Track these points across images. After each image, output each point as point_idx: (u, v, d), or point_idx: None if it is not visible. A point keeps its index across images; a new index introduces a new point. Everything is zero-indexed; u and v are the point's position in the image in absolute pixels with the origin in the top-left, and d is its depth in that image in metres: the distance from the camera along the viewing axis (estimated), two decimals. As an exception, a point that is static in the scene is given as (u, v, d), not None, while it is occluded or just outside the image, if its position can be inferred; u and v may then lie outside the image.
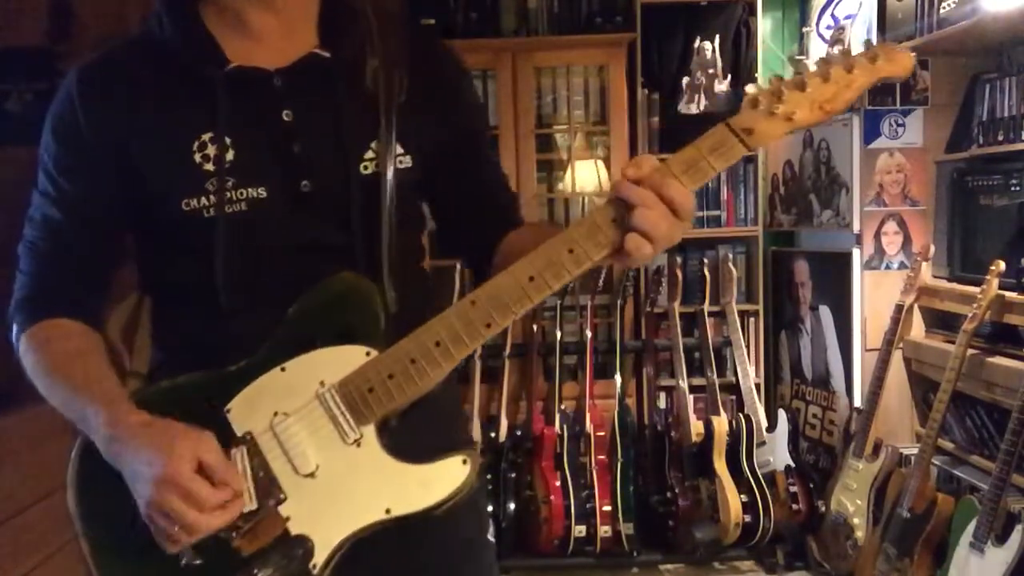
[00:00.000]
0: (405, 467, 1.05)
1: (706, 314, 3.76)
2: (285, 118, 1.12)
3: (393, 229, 1.13)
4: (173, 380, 1.12)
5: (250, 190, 1.10)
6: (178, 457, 0.97)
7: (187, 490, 0.96)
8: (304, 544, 1.03)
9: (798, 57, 3.99)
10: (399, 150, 1.15)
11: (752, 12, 3.86)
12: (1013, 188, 2.69)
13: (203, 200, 1.10)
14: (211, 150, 1.10)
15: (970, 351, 2.64)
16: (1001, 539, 2.30)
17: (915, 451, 2.85)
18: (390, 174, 1.13)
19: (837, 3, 3.81)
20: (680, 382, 3.63)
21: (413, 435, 1.07)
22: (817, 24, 3.92)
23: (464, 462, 1.06)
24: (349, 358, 1.06)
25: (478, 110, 1.34)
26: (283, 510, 1.04)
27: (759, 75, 3.88)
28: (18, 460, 2.69)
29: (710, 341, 3.72)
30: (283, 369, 1.07)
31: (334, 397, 1.05)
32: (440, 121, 1.20)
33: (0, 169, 4.18)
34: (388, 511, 1.04)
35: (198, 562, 1.03)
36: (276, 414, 1.06)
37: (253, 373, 1.07)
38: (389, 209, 1.13)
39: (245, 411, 1.06)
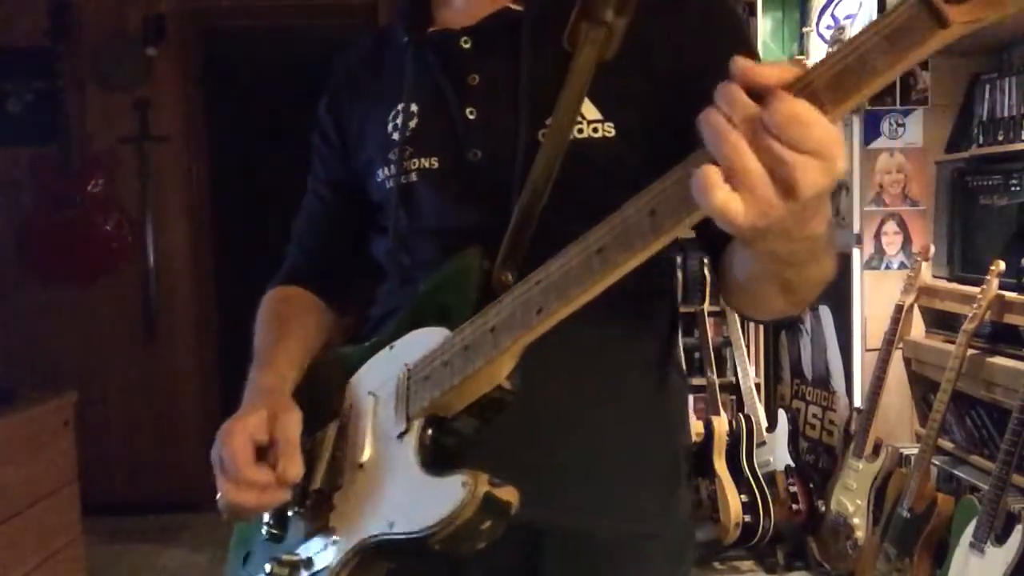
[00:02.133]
0: (421, 477, 0.88)
1: (706, 314, 3.76)
2: (471, 82, 1.02)
3: (532, 200, 0.94)
4: (336, 350, 1.12)
5: (423, 160, 1.04)
6: (240, 424, 0.95)
7: (221, 460, 0.94)
8: (331, 539, 0.95)
9: (798, 57, 3.99)
10: (595, 115, 0.97)
11: (752, 12, 3.86)
12: (1013, 188, 2.69)
13: (386, 170, 1.06)
14: (400, 119, 1.05)
15: (970, 351, 2.64)
16: (1001, 539, 2.30)
17: (915, 451, 2.85)
18: (536, 136, 0.96)
19: (837, 3, 3.81)
20: (680, 382, 3.63)
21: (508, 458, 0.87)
22: (817, 24, 3.91)
23: (464, 484, 0.82)
24: (431, 340, 0.93)
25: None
26: (335, 498, 0.97)
27: (759, 75, 3.88)
28: (18, 460, 2.69)
29: (710, 341, 3.72)
30: (391, 347, 0.99)
31: (404, 381, 0.94)
32: (663, 84, 0.98)
33: (0, 169, 4.20)
34: (392, 525, 0.89)
35: (275, 532, 1.01)
36: (369, 393, 0.98)
37: (376, 349, 1.02)
38: (535, 176, 0.93)
39: (355, 387, 1.01)
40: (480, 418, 0.90)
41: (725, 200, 0.62)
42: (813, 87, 0.61)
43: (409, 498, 0.88)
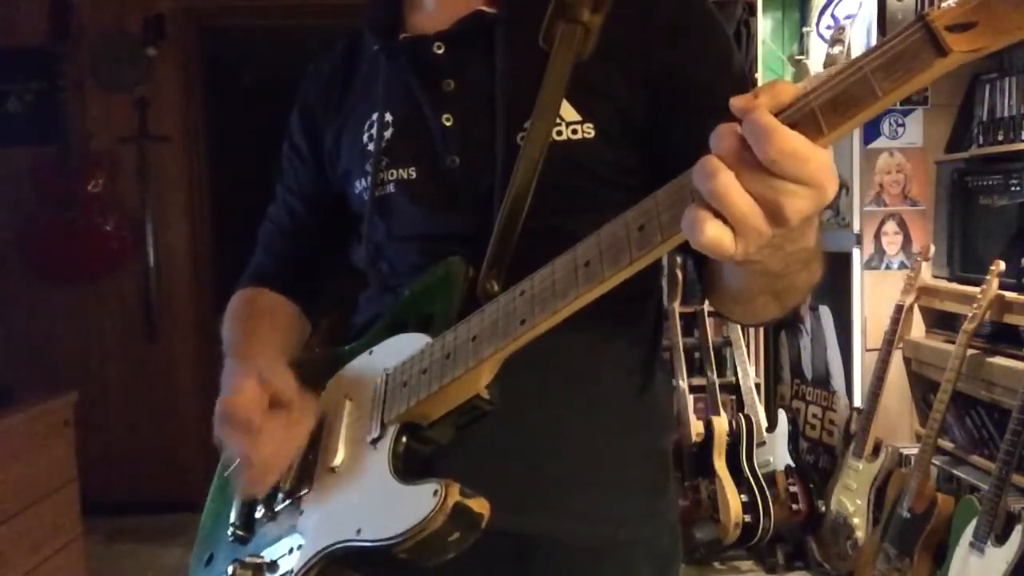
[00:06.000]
0: (393, 484, 0.86)
1: (706, 314, 3.75)
2: (446, 88, 1.00)
3: (515, 206, 0.92)
4: (315, 354, 1.11)
5: (400, 171, 1.02)
6: (241, 382, 0.92)
7: (234, 416, 0.90)
8: (297, 543, 0.93)
9: (798, 57, 3.99)
10: (574, 116, 0.95)
11: (752, 12, 3.86)
12: (1013, 188, 2.69)
13: (363, 182, 1.05)
14: (375, 129, 1.04)
15: (970, 351, 2.64)
16: (1001, 539, 2.30)
17: (915, 451, 2.85)
18: (515, 140, 0.94)
19: (837, 3, 3.81)
20: (680, 382, 3.63)
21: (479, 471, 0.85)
22: (817, 24, 3.92)
23: (435, 493, 0.81)
24: (411, 346, 0.92)
25: (710, 71, 0.98)
26: (304, 502, 0.95)
27: (759, 75, 3.88)
28: (18, 460, 2.69)
29: (710, 341, 3.71)
30: (371, 352, 0.98)
31: (382, 387, 0.92)
32: (645, 83, 0.97)
33: (0, 169, 4.20)
34: (359, 531, 0.86)
35: (241, 533, 1.00)
36: (345, 397, 0.97)
37: (355, 354, 1.01)
38: (517, 181, 0.91)
39: (332, 391, 1.00)
40: (456, 427, 0.89)
41: (716, 235, 0.61)
42: (811, 108, 0.60)
43: (379, 505, 0.86)
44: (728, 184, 0.60)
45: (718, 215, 0.61)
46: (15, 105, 4.26)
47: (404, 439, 0.89)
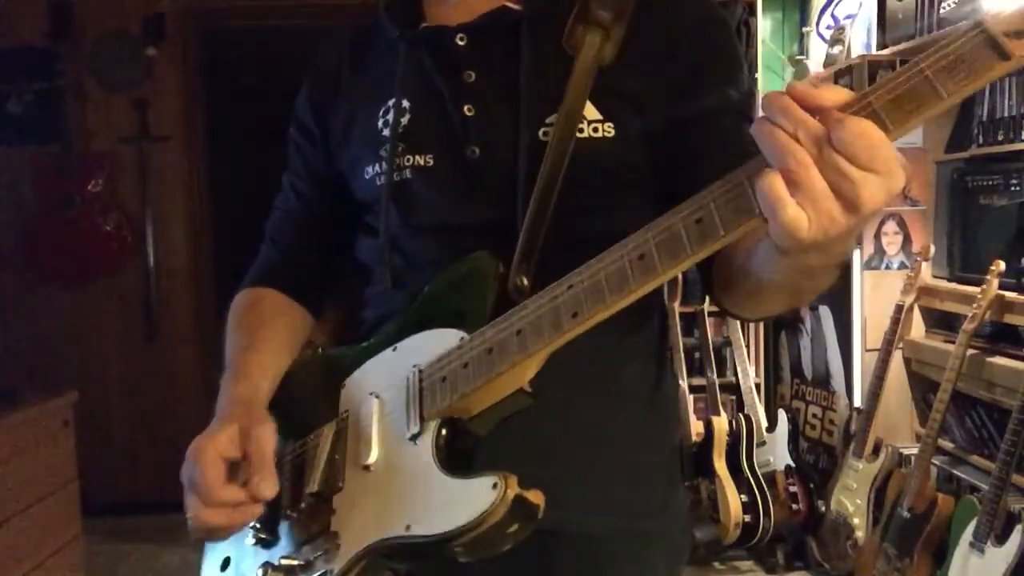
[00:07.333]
0: (442, 479, 0.86)
1: (706, 314, 3.75)
2: (466, 79, 1.01)
3: (543, 200, 0.93)
4: (327, 352, 1.10)
5: (417, 157, 1.02)
6: (222, 429, 0.94)
7: (194, 478, 0.94)
8: (333, 543, 0.92)
9: (798, 57, 3.99)
10: (595, 115, 0.97)
11: (752, 12, 3.86)
12: (1013, 188, 2.69)
13: (376, 167, 1.04)
14: (392, 115, 1.04)
15: (970, 351, 2.64)
16: (1001, 539, 2.30)
17: (915, 451, 2.85)
18: (537, 134, 0.96)
19: (837, 3, 3.81)
20: (680, 382, 3.63)
21: (517, 460, 0.85)
22: (817, 24, 3.92)
23: (495, 486, 0.81)
24: (443, 342, 0.91)
25: (723, 76, 1.01)
26: (335, 501, 0.94)
27: (759, 75, 3.88)
28: (18, 460, 2.69)
29: (710, 341, 3.71)
30: (395, 349, 0.97)
31: (416, 383, 0.92)
32: (663, 86, 0.99)
33: (1, 169, 4.20)
34: (408, 527, 0.86)
35: (264, 537, 0.99)
36: (371, 395, 0.96)
37: (375, 351, 1.00)
38: (545, 178, 0.93)
39: (353, 389, 1.00)
40: (496, 420, 0.89)
41: (796, 216, 0.62)
42: (873, 108, 0.62)
43: (429, 500, 0.86)
44: (806, 161, 0.61)
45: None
46: (15, 105, 4.26)
47: (444, 432, 0.89)
